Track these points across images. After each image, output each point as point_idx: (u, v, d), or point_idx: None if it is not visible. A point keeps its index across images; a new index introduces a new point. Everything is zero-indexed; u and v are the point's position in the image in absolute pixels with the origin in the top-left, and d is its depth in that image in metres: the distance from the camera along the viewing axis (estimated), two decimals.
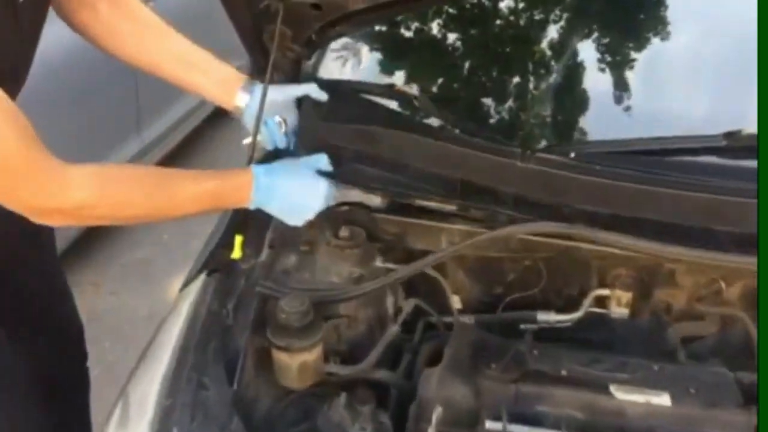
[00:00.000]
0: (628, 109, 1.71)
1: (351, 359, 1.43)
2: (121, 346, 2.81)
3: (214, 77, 1.46)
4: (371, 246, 1.49)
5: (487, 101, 1.85)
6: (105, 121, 3.18)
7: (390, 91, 1.52)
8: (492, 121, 1.76)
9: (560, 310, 1.59)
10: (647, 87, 1.77)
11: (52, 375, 1.76)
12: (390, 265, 1.48)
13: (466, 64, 2.10)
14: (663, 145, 1.33)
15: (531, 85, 1.97)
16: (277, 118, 1.49)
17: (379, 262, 1.48)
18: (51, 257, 1.78)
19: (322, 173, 1.37)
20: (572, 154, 1.36)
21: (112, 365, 2.66)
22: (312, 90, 1.48)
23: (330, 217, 1.50)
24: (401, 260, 1.53)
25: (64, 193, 1.12)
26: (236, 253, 1.43)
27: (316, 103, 1.50)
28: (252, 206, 1.33)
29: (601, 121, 1.64)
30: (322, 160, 1.39)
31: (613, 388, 1.23)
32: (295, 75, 1.54)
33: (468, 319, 1.59)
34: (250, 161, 1.39)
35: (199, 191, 1.26)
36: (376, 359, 1.39)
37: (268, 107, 1.44)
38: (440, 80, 2.03)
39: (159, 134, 3.59)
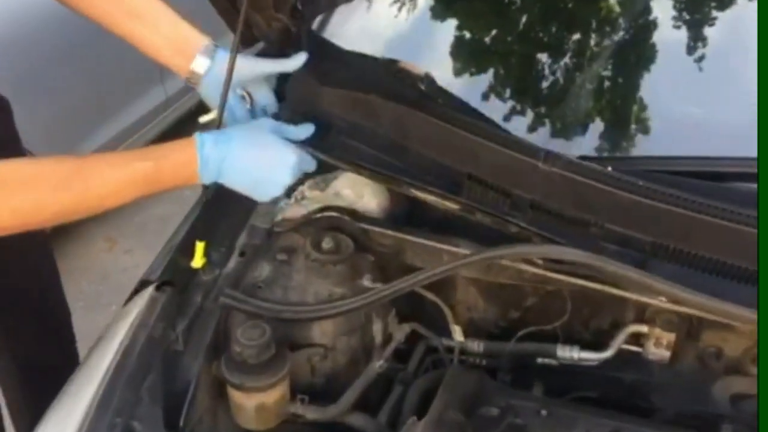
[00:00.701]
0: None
1: (327, 396, 1.20)
2: None
3: (168, 35, 1.19)
4: (359, 261, 1.24)
5: (519, 84, 1.55)
6: (128, 72, 2.99)
7: (391, 67, 1.25)
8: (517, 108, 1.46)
9: (586, 345, 1.34)
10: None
11: (40, 358, 1.64)
12: (380, 286, 1.24)
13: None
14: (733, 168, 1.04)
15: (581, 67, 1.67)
16: (239, 91, 1.23)
17: (366, 282, 1.23)
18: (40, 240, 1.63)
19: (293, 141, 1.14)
20: (608, 168, 1.08)
21: None
22: (289, 66, 1.22)
23: (313, 222, 1.26)
24: (395, 279, 1.28)
25: None
26: (197, 261, 1.21)
27: (312, 62, 1.23)
28: (204, 182, 1.10)
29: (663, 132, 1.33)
30: (289, 128, 1.15)
31: None
32: (284, 46, 1.28)
33: (476, 346, 1.35)
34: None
35: (126, 178, 1.03)
36: (354, 399, 1.17)
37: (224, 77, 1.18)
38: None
39: (183, 86, 3.37)
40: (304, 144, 1.15)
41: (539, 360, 1.35)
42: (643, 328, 1.30)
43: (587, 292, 1.29)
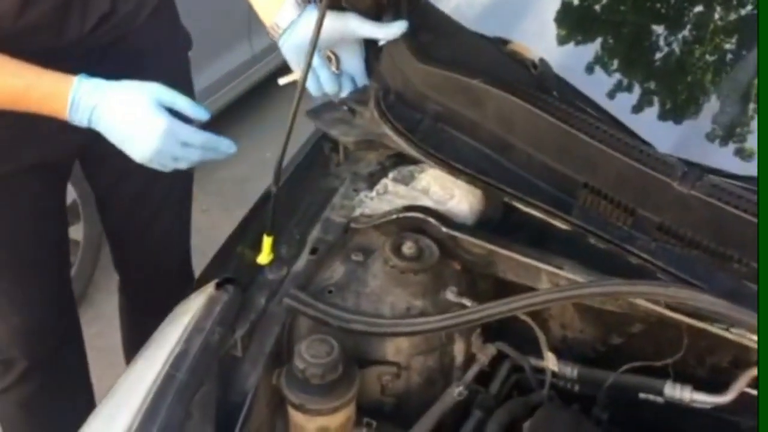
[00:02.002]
0: None
1: (396, 418, 1.07)
2: None
3: None
4: (444, 269, 1.09)
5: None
6: (216, 27, 2.90)
7: (501, 48, 1.07)
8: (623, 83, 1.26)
9: (698, 383, 1.16)
10: None
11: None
12: (465, 301, 1.08)
13: None
14: None
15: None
16: (325, 52, 1.10)
17: (451, 295, 1.08)
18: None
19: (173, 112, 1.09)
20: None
21: None
22: (387, 33, 1.07)
23: (395, 222, 1.11)
24: (484, 294, 1.13)
25: None
26: (264, 257, 1.09)
27: (411, 32, 1.09)
28: (75, 124, 1.10)
29: None
30: (167, 93, 1.09)
31: None
32: (379, 11, 1.12)
33: (570, 371, 1.18)
34: (295, 111, 1.01)
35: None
36: (428, 429, 1.03)
37: (310, 34, 1.05)
38: None
39: (270, 43, 3.25)
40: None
41: (641, 395, 1.19)
42: None
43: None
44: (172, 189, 1.55)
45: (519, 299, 0.95)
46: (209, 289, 1.02)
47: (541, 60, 1.02)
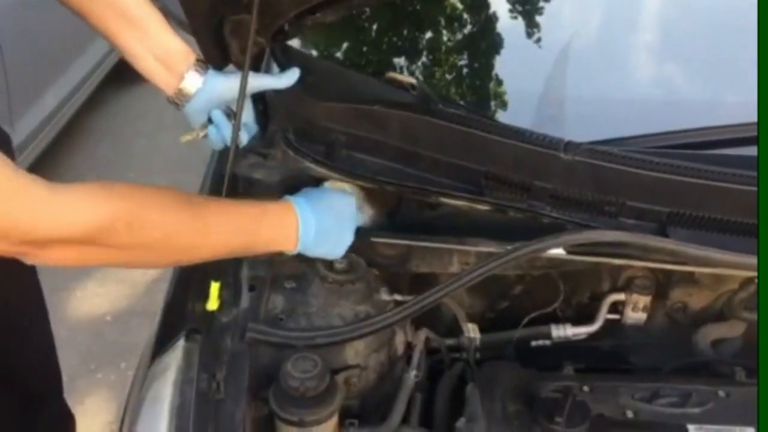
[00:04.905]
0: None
1: (362, 415, 1.19)
2: None
3: (158, 46, 1.13)
4: (374, 276, 1.24)
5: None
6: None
7: (379, 79, 1.25)
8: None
9: (572, 321, 1.42)
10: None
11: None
12: (398, 297, 1.24)
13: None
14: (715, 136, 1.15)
15: None
16: (224, 108, 1.19)
17: (385, 295, 1.23)
18: None
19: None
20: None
21: None
22: (282, 82, 1.18)
23: None
24: (407, 288, 1.29)
25: (64, 212, 0.85)
26: (213, 303, 1.14)
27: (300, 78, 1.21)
28: (297, 251, 1.13)
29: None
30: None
31: (693, 430, 1.07)
32: (256, 64, 1.24)
33: (475, 341, 1.38)
34: (231, 164, 1.11)
35: (236, 225, 1.03)
36: (401, 414, 1.16)
37: (215, 96, 1.16)
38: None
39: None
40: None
41: (533, 343, 1.42)
42: (621, 296, 1.41)
43: (569, 271, 1.37)
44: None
45: (458, 278, 1.12)
46: (180, 342, 1.06)
47: (417, 81, 1.22)
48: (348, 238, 1.17)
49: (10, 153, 1.49)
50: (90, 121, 3.95)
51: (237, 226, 1.01)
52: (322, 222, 1.11)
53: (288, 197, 1.12)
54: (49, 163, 3.39)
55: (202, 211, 0.98)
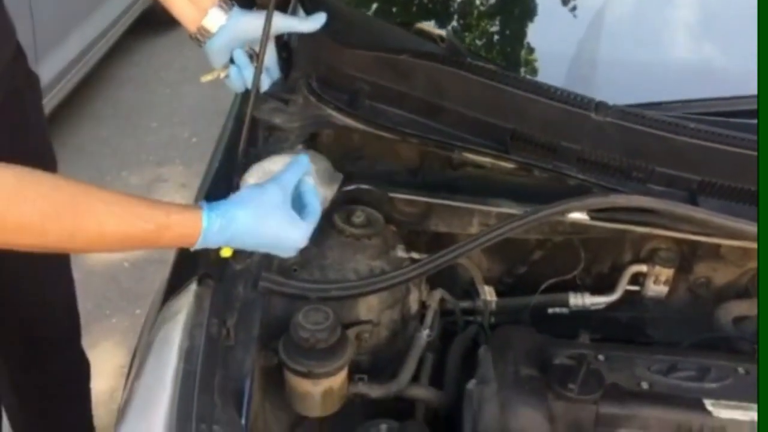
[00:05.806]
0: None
1: (372, 371, 1.17)
2: None
3: None
4: (391, 232, 1.21)
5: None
6: None
7: (409, 28, 1.21)
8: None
9: (590, 290, 1.40)
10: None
11: None
12: (415, 255, 1.22)
13: None
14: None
15: None
16: (247, 48, 1.15)
17: (401, 252, 1.21)
18: None
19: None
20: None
21: None
22: (308, 26, 1.13)
23: (336, 199, 1.21)
24: (425, 247, 1.27)
25: None
26: (226, 251, 1.12)
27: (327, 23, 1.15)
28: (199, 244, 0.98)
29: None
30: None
31: (709, 404, 1.04)
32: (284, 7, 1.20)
33: (489, 294, 1.35)
34: (251, 108, 1.07)
35: (124, 230, 0.91)
36: (412, 372, 1.15)
37: (238, 35, 1.11)
38: None
39: None
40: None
41: (550, 310, 1.40)
42: (643, 268, 1.38)
43: (589, 237, 1.34)
44: None
45: (477, 237, 1.09)
46: (192, 286, 1.05)
47: (447, 33, 1.18)
48: (284, 250, 1.02)
49: (39, 93, 1.47)
50: (113, 68, 3.93)
51: (126, 235, 0.91)
52: (239, 237, 0.99)
53: (204, 212, 0.97)
54: (71, 108, 3.39)
55: (84, 220, 0.87)
